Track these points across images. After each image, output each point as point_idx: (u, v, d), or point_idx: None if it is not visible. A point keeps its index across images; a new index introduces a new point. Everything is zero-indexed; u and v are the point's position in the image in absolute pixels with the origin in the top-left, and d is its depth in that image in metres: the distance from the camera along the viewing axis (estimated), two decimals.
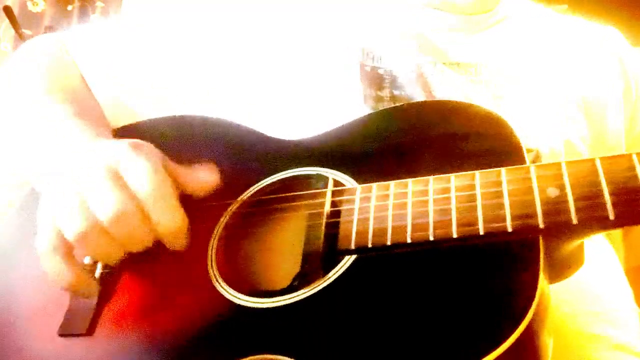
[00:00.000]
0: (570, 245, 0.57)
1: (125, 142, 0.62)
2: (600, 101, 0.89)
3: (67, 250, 0.59)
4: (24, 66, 0.88)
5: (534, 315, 0.49)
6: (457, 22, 0.88)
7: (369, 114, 0.74)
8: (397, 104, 0.79)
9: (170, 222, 0.58)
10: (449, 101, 0.72)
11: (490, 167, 0.58)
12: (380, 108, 0.79)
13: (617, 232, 0.90)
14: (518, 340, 0.48)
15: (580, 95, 0.87)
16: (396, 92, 0.82)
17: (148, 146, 0.62)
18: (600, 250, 0.82)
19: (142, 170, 0.58)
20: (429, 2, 0.88)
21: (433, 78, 0.83)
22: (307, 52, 0.86)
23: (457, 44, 0.87)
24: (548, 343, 0.53)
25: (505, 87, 0.84)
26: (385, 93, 0.82)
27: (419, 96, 0.82)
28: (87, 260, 0.67)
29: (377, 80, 0.83)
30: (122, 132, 0.79)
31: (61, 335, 0.63)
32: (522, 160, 0.59)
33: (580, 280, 0.65)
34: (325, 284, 0.56)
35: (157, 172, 0.59)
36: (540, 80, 0.86)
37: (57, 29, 2.25)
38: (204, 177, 0.64)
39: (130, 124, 0.83)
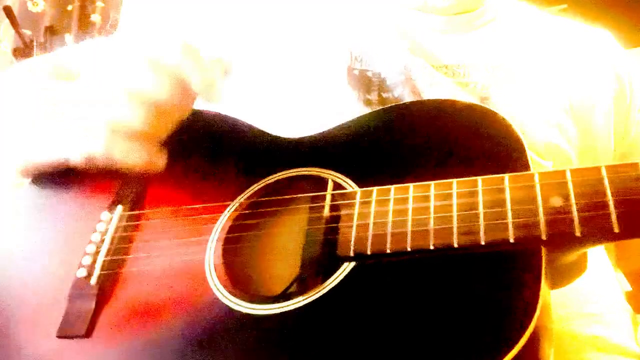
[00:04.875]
0: (574, 254, 0.56)
1: None
2: (588, 103, 0.87)
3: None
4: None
5: (535, 327, 0.48)
6: (442, 24, 0.87)
7: (370, 113, 0.72)
8: (397, 103, 0.78)
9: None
10: (456, 100, 0.70)
11: (494, 169, 0.57)
12: (369, 111, 0.77)
13: None
14: (519, 352, 0.47)
15: (568, 97, 0.86)
16: (385, 95, 0.81)
17: None
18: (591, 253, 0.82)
19: None
20: (413, 4, 0.87)
21: (421, 80, 0.81)
22: (294, 54, 0.85)
23: (445, 46, 0.86)
24: (549, 354, 0.52)
25: (492, 89, 0.83)
26: (374, 96, 0.81)
27: (407, 98, 0.80)
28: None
29: (365, 83, 0.82)
30: None
31: (59, 337, 0.62)
32: (525, 163, 0.58)
33: (573, 282, 0.64)
34: (322, 292, 0.55)
35: None
36: (528, 82, 0.85)
37: (57, 29, 2.28)
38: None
39: None
